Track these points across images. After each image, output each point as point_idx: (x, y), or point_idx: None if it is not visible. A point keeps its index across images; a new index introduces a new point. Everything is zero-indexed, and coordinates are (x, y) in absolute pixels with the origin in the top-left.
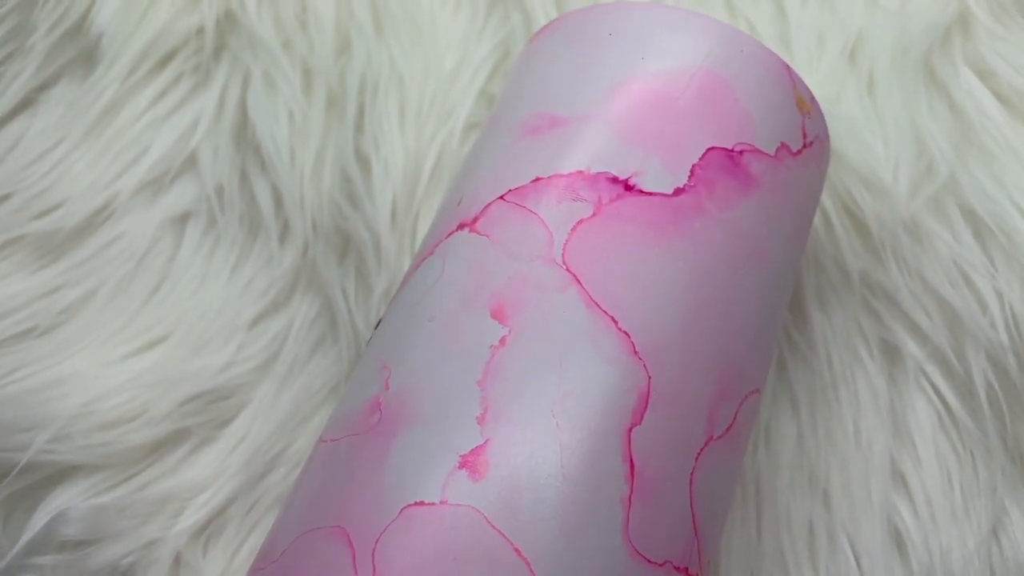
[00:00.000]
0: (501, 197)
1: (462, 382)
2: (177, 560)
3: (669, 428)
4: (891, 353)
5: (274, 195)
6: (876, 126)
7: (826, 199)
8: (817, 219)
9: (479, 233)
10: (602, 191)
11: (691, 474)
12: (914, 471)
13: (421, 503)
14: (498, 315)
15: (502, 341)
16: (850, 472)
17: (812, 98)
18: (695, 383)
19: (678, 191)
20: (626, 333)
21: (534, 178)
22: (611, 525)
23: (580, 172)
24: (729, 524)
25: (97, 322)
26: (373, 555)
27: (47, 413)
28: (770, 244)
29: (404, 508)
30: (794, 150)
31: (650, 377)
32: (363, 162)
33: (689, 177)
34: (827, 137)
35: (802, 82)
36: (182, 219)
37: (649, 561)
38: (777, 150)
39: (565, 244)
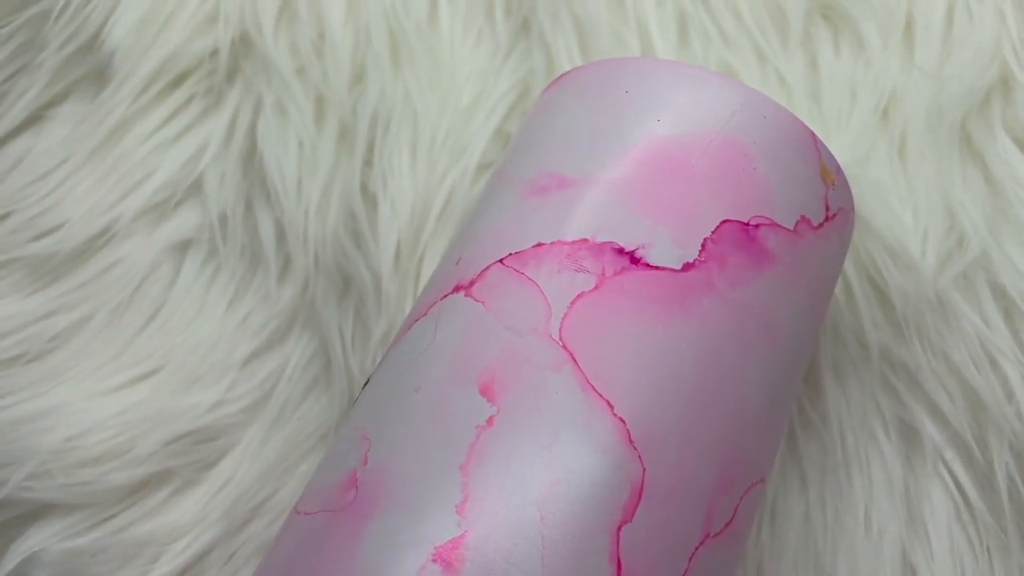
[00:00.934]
0: (500, 261)
1: (444, 465)
2: None
3: (663, 526)
4: (909, 434)
5: (277, 228)
6: (905, 193)
7: (849, 267)
8: (838, 288)
9: (475, 299)
10: (606, 263)
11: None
12: (926, 565)
13: None
14: (487, 392)
15: (489, 421)
16: (859, 562)
17: (838, 168)
18: (694, 476)
19: (687, 266)
20: (622, 420)
21: (536, 243)
22: None
23: (584, 240)
24: None
25: (89, 350)
26: None
27: (29, 447)
28: (784, 323)
29: None
30: (815, 224)
31: (645, 469)
32: (369, 200)
33: (700, 251)
34: (852, 208)
35: (828, 151)
36: (183, 247)
37: None
38: (796, 224)
39: (563, 319)
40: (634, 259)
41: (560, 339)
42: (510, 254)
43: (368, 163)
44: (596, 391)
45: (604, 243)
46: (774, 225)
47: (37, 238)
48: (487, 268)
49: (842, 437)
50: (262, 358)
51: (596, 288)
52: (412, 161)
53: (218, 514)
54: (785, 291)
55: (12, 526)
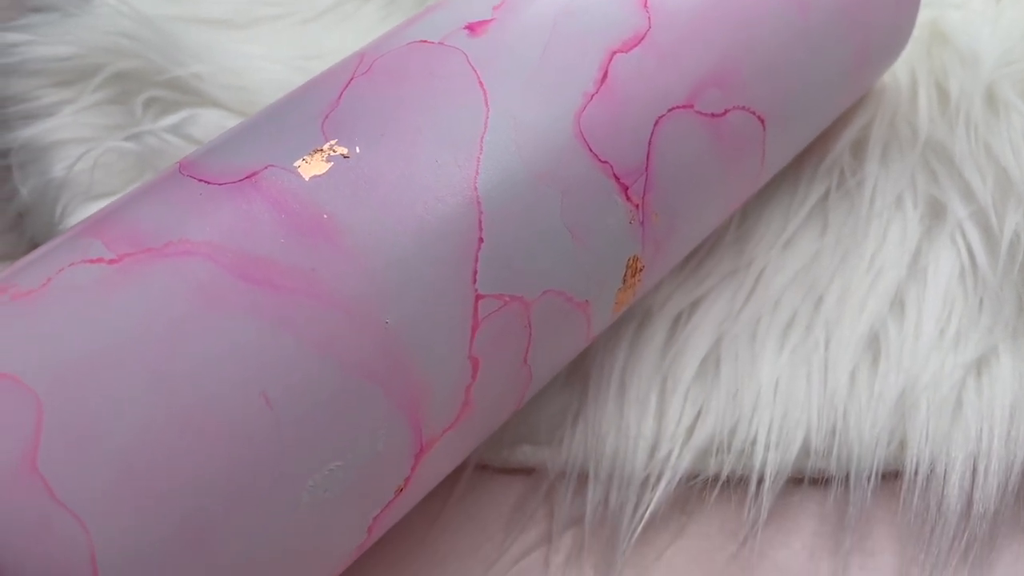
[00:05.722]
0: None
1: None
2: None
3: (650, 71)
4: (935, 208)
5: None
6: (992, 21)
7: (920, 72)
8: (904, 86)
9: None
10: None
11: (659, 118)
12: (915, 301)
13: (425, 41)
14: None
15: None
16: (852, 288)
17: None
18: (689, 55)
19: None
20: None
21: None
22: (568, 105)
23: None
24: (717, 289)
25: (275, 36)
26: (374, 63)
27: (207, 55)
28: (810, 14)
29: (410, 43)
30: None
31: (651, 27)
32: None
33: None
34: None
35: None
36: None
37: (591, 150)
38: None
39: None
40: None
41: None
42: None
43: None
44: None
45: None
46: None
47: None
48: None
49: (871, 201)
50: None
51: None
52: None
53: None
54: None
55: (186, 100)
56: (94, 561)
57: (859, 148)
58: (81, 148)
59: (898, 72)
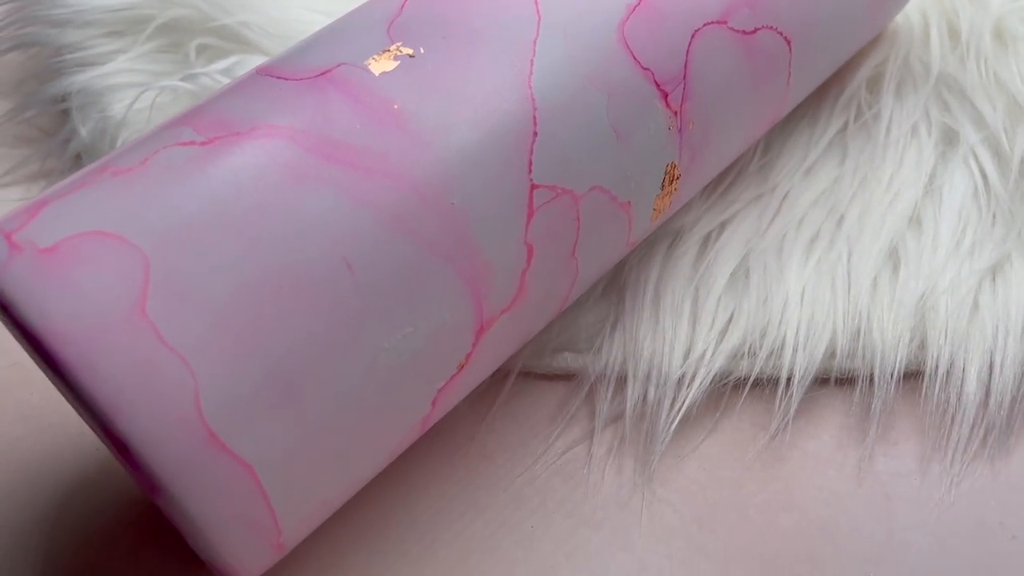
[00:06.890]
0: None
1: None
2: None
3: None
4: (949, 136)
5: None
6: None
7: (931, 13)
8: (916, 26)
9: None
10: None
11: (695, 31)
12: (932, 218)
13: None
14: None
15: None
16: (871, 208)
17: None
18: None
19: None
20: None
21: None
22: (612, 15)
23: None
24: (744, 212)
25: None
26: None
27: (252, 5)
28: None
29: None
30: None
31: None
32: None
33: None
34: None
35: None
36: None
37: (634, 57)
38: None
39: None
40: None
41: None
42: None
43: None
44: None
45: None
46: None
47: None
48: None
49: (888, 131)
50: None
51: None
52: None
53: None
54: None
55: (231, 48)
56: (198, 399)
57: (875, 84)
58: (137, 91)
59: (910, 13)
